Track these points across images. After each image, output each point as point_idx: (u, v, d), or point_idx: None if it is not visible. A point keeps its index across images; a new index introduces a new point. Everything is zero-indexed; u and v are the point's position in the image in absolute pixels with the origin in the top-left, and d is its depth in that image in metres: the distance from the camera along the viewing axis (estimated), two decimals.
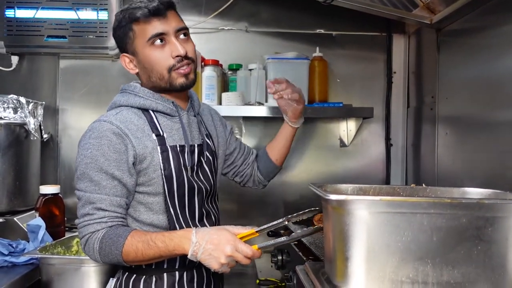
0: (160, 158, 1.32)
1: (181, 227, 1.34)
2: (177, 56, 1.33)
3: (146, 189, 1.33)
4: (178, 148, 1.36)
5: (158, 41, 1.32)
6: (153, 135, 1.33)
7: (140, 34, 1.33)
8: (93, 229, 1.25)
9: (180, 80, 1.35)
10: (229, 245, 1.20)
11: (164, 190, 1.33)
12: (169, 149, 1.34)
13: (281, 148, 1.69)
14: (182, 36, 1.36)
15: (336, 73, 2.49)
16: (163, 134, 1.35)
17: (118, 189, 1.27)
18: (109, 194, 1.26)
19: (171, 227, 1.34)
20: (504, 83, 1.60)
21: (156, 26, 1.32)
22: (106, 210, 1.26)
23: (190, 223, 1.37)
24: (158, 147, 1.33)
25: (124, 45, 1.38)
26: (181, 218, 1.36)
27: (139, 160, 1.30)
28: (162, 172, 1.32)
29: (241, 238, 1.25)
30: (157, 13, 1.31)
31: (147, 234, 1.24)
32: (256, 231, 1.28)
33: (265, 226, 1.30)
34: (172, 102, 1.39)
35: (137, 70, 1.39)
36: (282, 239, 1.27)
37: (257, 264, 2.08)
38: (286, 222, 1.29)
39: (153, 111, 1.37)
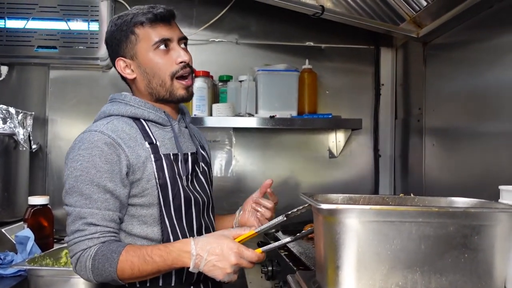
0: (154, 166, 1.27)
1: (176, 239, 1.27)
2: (181, 62, 1.32)
3: (139, 201, 1.27)
4: (172, 157, 1.31)
5: (162, 46, 1.31)
6: (146, 143, 1.29)
7: (144, 38, 1.31)
8: (84, 246, 1.17)
9: (181, 92, 1.33)
10: (233, 253, 1.15)
11: (159, 200, 1.27)
12: (163, 158, 1.29)
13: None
14: (183, 46, 1.36)
15: (325, 85, 2.52)
16: (156, 142, 1.31)
17: (111, 203, 1.21)
18: (100, 208, 1.19)
19: (164, 238, 1.27)
20: (489, 96, 1.65)
21: (161, 31, 1.31)
22: (98, 225, 1.18)
23: (188, 234, 1.31)
24: (152, 156, 1.27)
25: (121, 49, 1.34)
26: (178, 230, 1.29)
27: (132, 170, 1.25)
28: (157, 181, 1.27)
29: (240, 240, 1.22)
30: (163, 18, 1.31)
31: (142, 249, 1.17)
32: (256, 231, 1.24)
33: (264, 226, 1.27)
34: (164, 112, 1.36)
35: (134, 75, 1.34)
36: (287, 239, 1.25)
37: (246, 275, 2.07)
38: (285, 219, 1.25)
39: (144, 120, 1.33)
